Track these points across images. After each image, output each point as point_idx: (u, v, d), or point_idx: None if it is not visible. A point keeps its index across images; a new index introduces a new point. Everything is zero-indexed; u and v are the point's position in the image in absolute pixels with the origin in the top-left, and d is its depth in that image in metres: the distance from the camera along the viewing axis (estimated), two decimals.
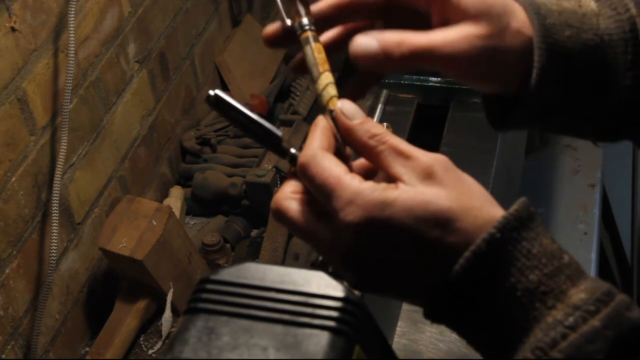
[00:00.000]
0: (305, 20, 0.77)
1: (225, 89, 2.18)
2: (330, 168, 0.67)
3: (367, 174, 0.72)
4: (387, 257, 0.66)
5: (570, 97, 0.79)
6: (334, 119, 0.71)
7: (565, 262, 0.65)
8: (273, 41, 0.80)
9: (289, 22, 0.78)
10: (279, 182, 1.80)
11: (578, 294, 0.63)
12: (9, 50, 1.37)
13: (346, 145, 0.72)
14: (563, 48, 0.76)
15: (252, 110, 0.73)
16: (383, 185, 0.66)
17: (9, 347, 1.41)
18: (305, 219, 0.69)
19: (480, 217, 0.65)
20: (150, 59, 1.83)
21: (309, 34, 0.76)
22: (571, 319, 0.62)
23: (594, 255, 1.71)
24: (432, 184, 0.66)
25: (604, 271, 2.08)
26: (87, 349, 1.61)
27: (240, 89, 2.15)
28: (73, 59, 1.44)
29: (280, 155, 0.74)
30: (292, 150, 0.73)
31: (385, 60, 0.73)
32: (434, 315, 0.68)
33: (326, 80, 0.74)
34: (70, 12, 1.43)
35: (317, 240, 0.69)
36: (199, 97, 2.08)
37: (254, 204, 1.81)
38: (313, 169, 0.68)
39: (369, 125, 0.70)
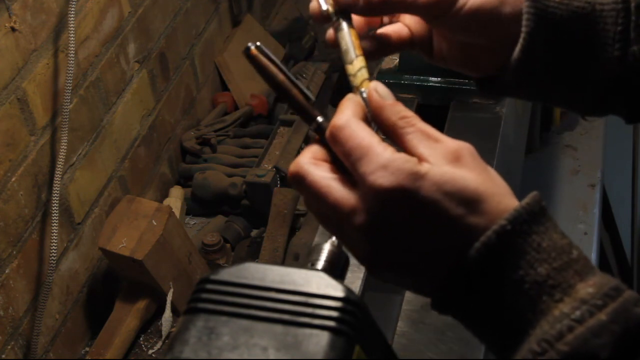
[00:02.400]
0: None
1: (225, 89, 2.18)
2: (364, 134, 0.67)
3: None
4: (409, 230, 0.66)
5: (557, 65, 0.79)
6: (365, 100, 0.72)
7: (574, 257, 0.65)
8: (316, 18, 0.81)
9: (325, 6, 0.80)
10: (279, 182, 1.80)
11: (586, 289, 0.63)
12: (9, 50, 1.37)
13: (375, 124, 0.72)
14: (552, 14, 0.77)
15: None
16: (415, 158, 0.66)
17: (9, 347, 1.41)
18: (327, 184, 0.68)
19: (503, 203, 0.66)
20: (150, 59, 1.83)
21: (344, 20, 0.79)
22: (578, 313, 0.62)
23: (594, 255, 1.71)
24: (459, 166, 0.66)
25: (604, 271, 2.08)
26: (87, 349, 1.62)
27: (240, 89, 2.15)
28: (73, 59, 1.44)
29: (306, 121, 0.74)
30: (320, 119, 0.73)
31: (364, 2, 0.77)
32: (442, 304, 0.68)
33: (360, 63, 0.76)
34: (70, 12, 1.43)
35: (335, 208, 0.67)
36: (199, 97, 2.08)
37: (254, 204, 1.81)
38: (347, 132, 0.67)
39: (400, 108, 0.70)
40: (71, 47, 1.44)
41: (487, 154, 1.39)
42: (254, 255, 1.72)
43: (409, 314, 1.17)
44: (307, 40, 2.28)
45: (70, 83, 1.44)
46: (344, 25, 0.79)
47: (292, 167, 0.69)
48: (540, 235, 0.65)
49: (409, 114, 0.69)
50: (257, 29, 2.28)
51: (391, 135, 0.70)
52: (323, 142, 0.71)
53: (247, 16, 2.27)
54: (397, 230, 0.66)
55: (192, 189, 1.88)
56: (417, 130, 0.68)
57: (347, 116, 0.69)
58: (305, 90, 0.74)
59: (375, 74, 1.56)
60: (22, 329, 1.44)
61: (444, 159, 0.66)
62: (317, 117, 0.73)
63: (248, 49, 0.73)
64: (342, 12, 0.79)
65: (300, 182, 0.69)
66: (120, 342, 1.55)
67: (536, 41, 0.77)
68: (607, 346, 0.60)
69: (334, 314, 0.62)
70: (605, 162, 1.97)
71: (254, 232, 1.81)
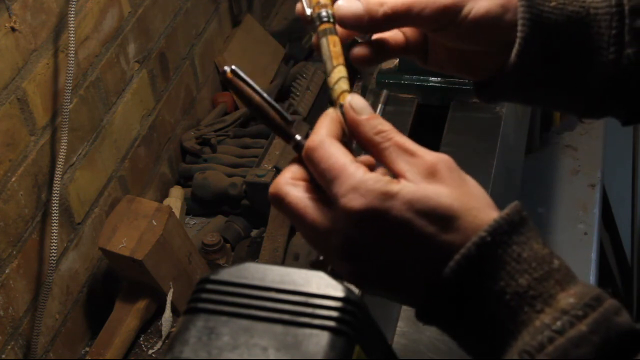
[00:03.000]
0: (324, 12, 0.77)
1: (225, 89, 2.18)
2: (337, 155, 0.67)
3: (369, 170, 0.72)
4: (383, 250, 0.66)
5: (552, 70, 0.79)
6: (344, 114, 0.71)
7: (555, 267, 0.65)
8: (302, 20, 0.81)
9: (308, 11, 0.78)
10: None
11: (567, 299, 0.63)
12: (9, 50, 1.37)
13: (352, 139, 0.72)
14: (547, 19, 0.77)
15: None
16: (387, 178, 0.66)
17: (9, 347, 1.41)
18: (304, 205, 0.68)
19: (479, 218, 0.65)
20: (150, 59, 1.83)
21: (326, 26, 0.77)
22: (559, 323, 0.62)
23: (594, 255, 1.71)
24: (434, 182, 0.66)
25: (604, 271, 2.08)
26: (87, 349, 1.61)
27: None
28: (73, 59, 1.44)
29: (285, 140, 0.74)
30: (298, 137, 0.73)
31: (369, 20, 0.77)
32: (425, 317, 0.68)
33: (339, 74, 0.74)
34: (70, 12, 1.43)
35: (313, 229, 0.68)
36: (199, 97, 2.08)
37: (254, 204, 1.81)
38: (320, 153, 0.68)
39: (376, 122, 0.70)
40: (71, 47, 1.44)
41: (487, 154, 1.39)
42: (254, 255, 1.72)
43: (409, 314, 1.17)
44: (307, 40, 2.28)
45: (70, 83, 1.44)
46: (325, 31, 0.77)
47: (272, 187, 0.70)
48: (521, 246, 0.65)
49: (385, 127, 0.69)
50: (257, 29, 2.28)
51: (369, 150, 0.70)
52: (301, 161, 0.71)
53: (247, 16, 2.27)
54: (372, 250, 0.66)
55: (192, 189, 1.88)
56: (393, 144, 0.68)
57: (321, 136, 0.69)
58: (282, 111, 0.74)
59: (375, 74, 1.56)
60: (22, 329, 1.44)
61: (420, 175, 0.66)
62: (294, 135, 0.73)
63: (224, 72, 0.73)
64: (323, 17, 0.77)
65: (279, 203, 0.70)
66: (120, 342, 1.55)
67: (531, 46, 0.78)
68: (587, 356, 0.60)
69: (334, 314, 0.62)
70: (605, 162, 1.97)
71: (254, 232, 1.81)
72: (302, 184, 0.70)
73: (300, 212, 0.69)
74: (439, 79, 1.50)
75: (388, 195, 0.65)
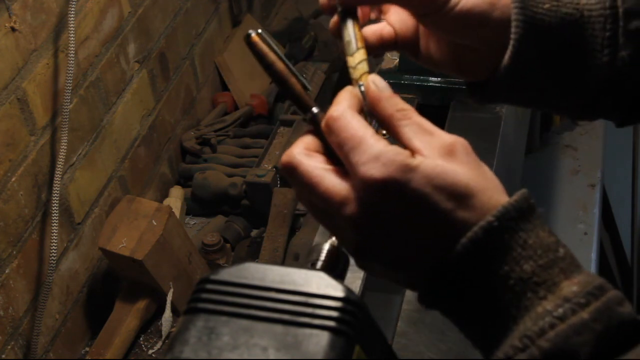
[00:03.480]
0: None
1: (225, 89, 2.18)
2: (359, 126, 0.68)
3: None
4: (397, 221, 0.66)
5: (547, 71, 0.80)
6: (363, 93, 0.72)
7: (561, 255, 0.65)
8: (324, 9, 0.82)
9: None
10: (279, 182, 1.80)
11: (570, 287, 0.63)
12: (9, 50, 1.37)
13: (371, 118, 0.72)
14: (541, 21, 0.77)
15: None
16: (408, 151, 0.67)
17: (9, 347, 1.41)
18: (318, 174, 0.68)
19: (494, 198, 0.66)
20: (150, 59, 1.83)
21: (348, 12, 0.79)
22: (560, 310, 0.62)
23: (594, 255, 1.71)
24: (452, 160, 0.66)
25: (604, 271, 2.08)
26: (87, 349, 1.61)
27: (240, 89, 2.15)
28: (73, 59, 1.44)
29: (302, 111, 0.74)
30: (315, 109, 0.73)
31: None
32: (428, 298, 0.68)
33: (362, 56, 0.76)
34: (70, 12, 1.43)
35: (325, 199, 0.68)
36: (199, 97, 2.08)
37: (254, 204, 1.81)
38: (342, 122, 0.68)
39: (397, 100, 0.71)
40: (71, 47, 1.44)
41: (487, 154, 1.39)
42: (254, 255, 1.72)
43: (409, 314, 1.17)
44: (307, 40, 2.28)
45: (70, 83, 1.44)
46: (349, 17, 0.79)
47: (285, 157, 0.70)
48: (527, 233, 0.65)
49: (406, 106, 0.70)
50: (257, 28, 2.28)
51: (387, 127, 0.70)
52: (317, 133, 0.71)
53: (247, 16, 2.27)
54: (386, 222, 0.66)
55: (192, 189, 1.88)
56: (413, 123, 0.69)
57: (343, 107, 0.69)
58: (304, 80, 0.75)
59: (375, 73, 1.56)
60: (22, 329, 1.44)
61: (437, 153, 0.67)
62: (312, 107, 0.73)
63: (249, 35, 0.73)
64: (347, 5, 0.80)
65: (291, 172, 0.69)
66: (120, 342, 1.55)
67: (525, 48, 0.78)
68: (588, 344, 0.61)
69: (334, 314, 0.62)
70: (605, 162, 1.97)
71: (254, 232, 1.81)
72: (316, 154, 0.70)
73: (315, 181, 0.68)
74: (439, 79, 1.51)
75: (409, 168, 0.65)
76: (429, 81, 1.51)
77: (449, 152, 0.67)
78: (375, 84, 0.72)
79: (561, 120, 2.06)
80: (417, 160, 0.65)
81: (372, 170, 0.65)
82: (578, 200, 1.85)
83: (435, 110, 1.51)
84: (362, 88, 0.72)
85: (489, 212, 0.65)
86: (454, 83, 1.50)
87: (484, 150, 1.40)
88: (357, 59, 0.76)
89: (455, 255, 0.65)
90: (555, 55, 0.79)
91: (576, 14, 0.78)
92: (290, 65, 0.75)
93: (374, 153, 0.66)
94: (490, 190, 0.66)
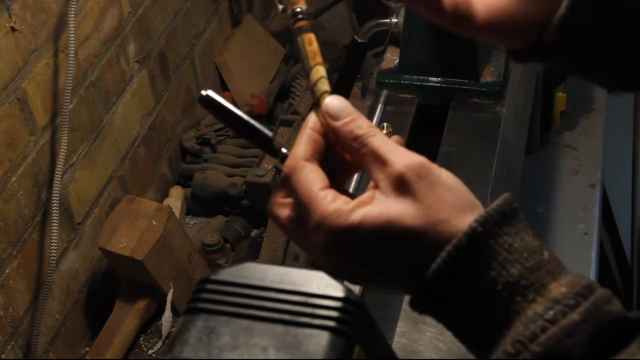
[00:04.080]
0: (298, 9, 0.74)
1: (225, 89, 2.18)
2: (307, 184, 0.69)
3: None
4: (362, 269, 0.68)
5: (601, 29, 0.77)
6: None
7: (546, 258, 0.65)
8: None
9: (280, 7, 0.76)
10: (279, 182, 1.80)
11: (558, 288, 0.63)
12: (9, 50, 1.37)
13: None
14: None
15: (247, 112, 0.74)
16: (350, 206, 0.67)
17: (9, 347, 1.41)
18: (292, 226, 0.71)
19: (446, 232, 0.66)
20: (150, 59, 1.83)
21: (301, 23, 0.74)
22: (551, 313, 0.62)
23: (594, 255, 1.71)
24: (402, 196, 0.66)
25: (604, 271, 2.08)
26: (87, 349, 1.61)
27: (240, 89, 2.15)
28: (73, 59, 1.44)
29: (272, 155, 0.74)
30: (284, 150, 0.73)
31: None
32: (418, 306, 0.68)
33: (317, 75, 0.72)
34: (70, 12, 1.43)
35: (306, 247, 0.71)
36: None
37: (254, 204, 1.81)
38: (293, 181, 0.70)
39: (352, 127, 0.70)
40: (71, 47, 1.44)
41: (487, 154, 1.39)
42: (254, 255, 1.72)
43: (409, 314, 1.17)
44: None
45: (70, 83, 1.44)
46: (301, 29, 0.74)
47: (267, 209, 0.73)
48: (512, 237, 0.65)
49: (361, 131, 0.69)
50: (257, 29, 2.28)
51: (350, 154, 0.71)
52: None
53: (247, 16, 2.27)
54: (351, 270, 0.69)
55: (192, 189, 1.88)
56: (368, 151, 0.69)
57: (295, 160, 0.70)
58: (261, 128, 0.74)
59: (375, 73, 1.56)
60: (22, 329, 1.44)
61: (389, 188, 0.67)
62: (280, 150, 0.74)
63: (200, 97, 0.73)
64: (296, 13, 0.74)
65: (275, 221, 0.73)
66: (120, 342, 1.55)
67: (580, 4, 0.75)
68: (580, 346, 0.61)
69: (334, 314, 0.62)
70: (605, 162, 1.97)
71: (254, 232, 1.81)
72: (289, 203, 0.71)
73: (292, 234, 0.71)
74: (439, 79, 1.51)
75: (350, 229, 0.66)
76: (429, 81, 1.51)
77: (400, 186, 0.66)
78: (328, 112, 0.70)
79: (561, 120, 2.06)
80: (359, 216, 0.66)
81: (317, 238, 0.67)
82: (578, 200, 1.84)
83: (435, 110, 1.51)
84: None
85: (439, 249, 0.65)
86: (454, 83, 1.50)
87: (484, 150, 1.40)
88: (312, 79, 0.72)
89: (439, 265, 0.65)
90: (612, 10, 0.77)
91: None
92: (246, 118, 0.74)
93: (316, 220, 0.67)
94: (442, 223, 0.66)
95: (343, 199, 0.68)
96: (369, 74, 1.94)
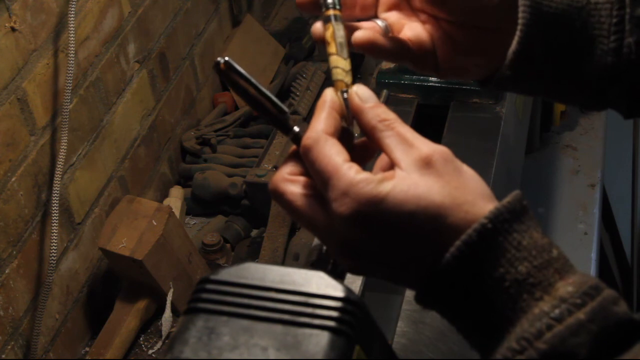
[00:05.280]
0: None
1: (225, 89, 2.18)
2: (331, 155, 0.68)
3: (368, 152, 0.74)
4: (380, 248, 0.67)
5: (554, 58, 0.79)
6: (346, 100, 0.72)
7: (555, 256, 0.65)
8: (304, 6, 0.82)
9: None
10: None
11: (565, 287, 0.63)
12: (9, 50, 1.37)
13: (352, 124, 0.73)
14: (547, 7, 0.77)
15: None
16: (378, 177, 0.67)
17: (9, 347, 1.41)
18: (301, 204, 0.69)
19: (471, 213, 0.66)
20: (150, 59, 1.83)
21: (332, 12, 0.78)
22: (557, 311, 0.62)
23: (594, 255, 1.71)
24: (428, 174, 0.67)
25: (604, 271, 2.08)
26: (87, 349, 1.61)
27: None
28: (73, 59, 1.44)
29: (283, 132, 0.74)
30: (296, 129, 0.73)
31: None
32: (424, 301, 0.68)
33: (346, 62, 0.75)
34: (70, 12, 1.43)
35: (313, 225, 0.70)
36: (199, 97, 2.08)
37: (254, 204, 1.81)
38: (314, 154, 0.68)
39: (380, 111, 0.71)
40: (71, 47, 1.44)
41: (487, 154, 1.39)
42: (254, 255, 1.72)
43: (409, 314, 1.17)
44: (307, 40, 2.28)
45: (70, 83, 1.44)
46: (332, 17, 0.77)
47: (271, 184, 0.71)
48: (521, 234, 0.65)
49: (389, 116, 0.70)
50: (257, 29, 2.28)
51: (371, 138, 0.71)
52: (299, 154, 0.72)
53: (247, 16, 2.27)
54: (368, 249, 0.68)
55: (192, 189, 1.88)
56: (394, 134, 0.69)
57: (316, 134, 0.70)
58: (278, 103, 0.74)
59: (375, 74, 1.56)
60: (22, 329, 1.44)
61: (414, 165, 0.67)
62: (292, 127, 0.73)
63: (217, 63, 0.72)
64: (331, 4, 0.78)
65: (279, 199, 0.71)
66: (120, 342, 1.55)
67: (532, 34, 0.78)
68: (585, 345, 0.61)
69: (334, 314, 0.63)
70: (605, 162, 1.98)
71: (254, 232, 1.81)
72: (300, 179, 0.71)
73: (299, 210, 0.70)
74: (439, 79, 1.51)
75: (378, 198, 0.65)
76: (429, 81, 1.51)
77: (427, 164, 0.67)
78: (359, 95, 0.72)
79: (561, 120, 2.06)
80: (388, 187, 0.66)
81: (342, 207, 0.66)
82: (578, 200, 1.85)
83: (435, 110, 1.51)
84: (345, 95, 0.72)
85: (465, 229, 0.65)
86: (454, 83, 1.50)
87: (484, 150, 1.41)
88: (349, 64, 0.75)
89: (448, 259, 0.65)
90: (562, 41, 0.79)
91: (582, 0, 0.78)
92: (263, 90, 0.74)
93: (343, 188, 0.66)
94: (468, 204, 0.66)
95: (368, 172, 0.68)
96: (368, 74, 1.94)
